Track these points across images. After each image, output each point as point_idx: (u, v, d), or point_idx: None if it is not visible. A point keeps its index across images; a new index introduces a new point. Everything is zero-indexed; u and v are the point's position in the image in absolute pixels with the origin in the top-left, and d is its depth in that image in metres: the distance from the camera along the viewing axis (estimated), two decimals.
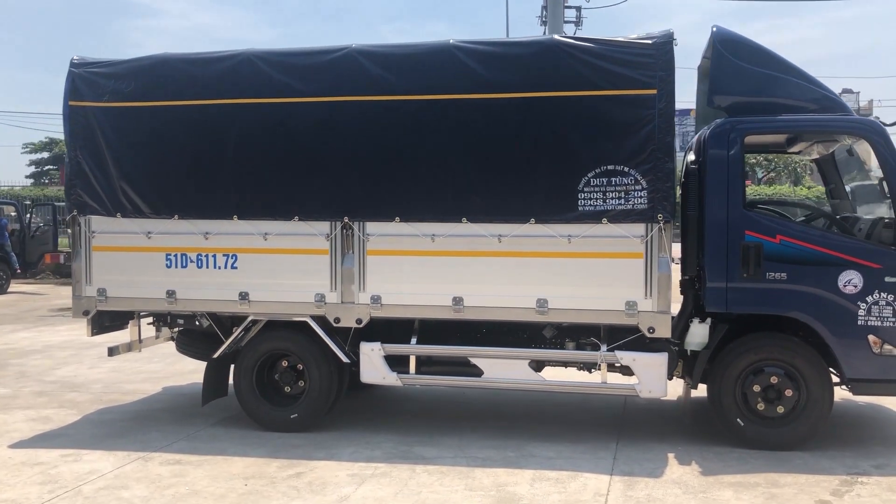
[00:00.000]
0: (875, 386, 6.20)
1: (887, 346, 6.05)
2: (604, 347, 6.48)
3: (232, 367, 7.35)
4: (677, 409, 6.76)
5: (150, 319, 7.83)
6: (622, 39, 6.32)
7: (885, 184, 6.19)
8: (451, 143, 6.54)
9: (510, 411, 7.70)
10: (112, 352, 7.77)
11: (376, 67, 6.65)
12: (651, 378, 6.35)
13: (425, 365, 6.83)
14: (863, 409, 7.70)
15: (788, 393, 6.21)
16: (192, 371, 9.63)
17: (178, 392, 8.77)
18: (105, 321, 7.63)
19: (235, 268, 6.99)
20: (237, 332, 7.08)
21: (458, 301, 6.56)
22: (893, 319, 6.03)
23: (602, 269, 6.35)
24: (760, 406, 6.27)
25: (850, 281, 6.06)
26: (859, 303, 6.06)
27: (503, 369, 6.66)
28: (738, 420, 6.31)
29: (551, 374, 6.89)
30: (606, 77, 6.27)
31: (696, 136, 6.58)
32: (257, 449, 6.51)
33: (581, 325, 6.64)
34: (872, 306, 6.04)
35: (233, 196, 6.94)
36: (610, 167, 6.27)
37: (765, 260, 6.16)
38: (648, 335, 6.30)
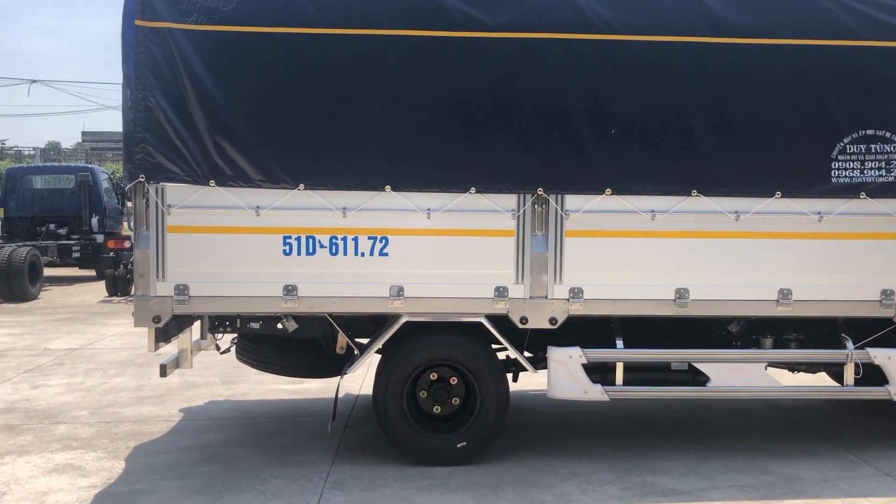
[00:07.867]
0: None
1: None
2: (850, 344, 5.52)
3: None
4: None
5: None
6: None
7: None
8: (679, 97, 5.26)
9: (643, 417, 6.58)
10: (164, 371, 5.72)
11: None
12: None
13: (630, 372, 5.53)
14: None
15: None
16: (183, 385, 7.74)
17: (208, 415, 6.81)
18: (171, 329, 5.58)
19: (385, 254, 5.26)
20: (386, 336, 5.37)
21: (682, 294, 5.32)
22: None
23: (855, 253, 5.39)
24: None
25: None
26: None
27: (735, 375, 5.52)
28: None
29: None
30: (869, 25, 5.29)
31: None
32: (453, 494, 4.91)
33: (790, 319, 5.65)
34: None
35: (385, 161, 5.21)
36: (870, 132, 5.31)
37: None
38: None
